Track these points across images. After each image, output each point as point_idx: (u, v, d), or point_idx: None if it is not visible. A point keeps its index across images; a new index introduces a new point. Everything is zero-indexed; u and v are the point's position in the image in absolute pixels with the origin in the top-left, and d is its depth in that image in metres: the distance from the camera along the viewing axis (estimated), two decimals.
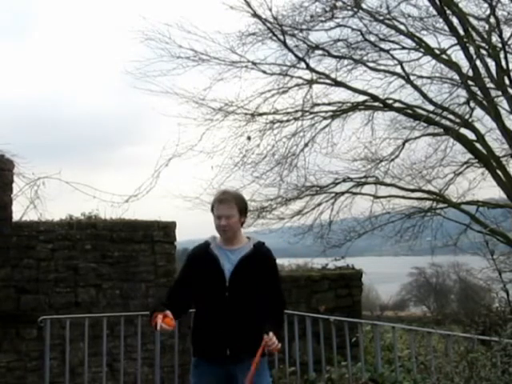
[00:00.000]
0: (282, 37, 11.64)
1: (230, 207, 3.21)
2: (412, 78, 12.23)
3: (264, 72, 12.00)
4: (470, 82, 11.48)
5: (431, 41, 12.14)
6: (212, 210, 3.28)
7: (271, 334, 3.01)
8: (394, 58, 12.16)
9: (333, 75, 12.16)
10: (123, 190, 9.14)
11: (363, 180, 12.94)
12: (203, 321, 3.16)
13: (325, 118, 12.39)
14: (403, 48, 12.12)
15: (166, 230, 6.63)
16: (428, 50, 11.89)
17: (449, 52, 11.84)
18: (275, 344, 3.01)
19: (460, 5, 10.98)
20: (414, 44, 12.07)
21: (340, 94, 12.88)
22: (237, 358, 3.09)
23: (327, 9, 11.61)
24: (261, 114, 12.06)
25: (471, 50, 10.77)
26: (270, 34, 11.69)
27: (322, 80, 12.32)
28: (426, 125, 12.46)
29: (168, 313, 3.00)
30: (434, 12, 11.43)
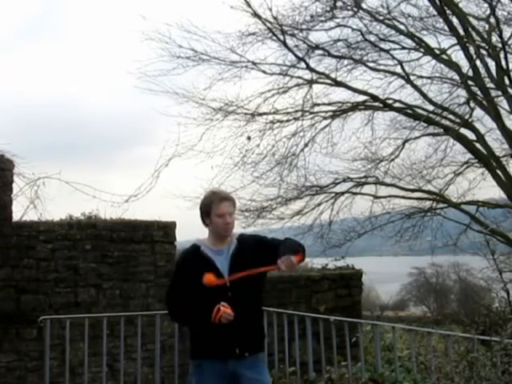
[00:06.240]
0: (281, 37, 11.65)
1: (231, 205, 3.23)
2: (412, 78, 12.26)
3: (264, 72, 12.02)
4: (470, 82, 11.49)
5: (431, 41, 12.18)
6: (207, 212, 3.22)
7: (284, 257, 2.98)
8: (394, 57, 12.18)
9: (333, 75, 12.19)
10: (133, 189, 9.12)
11: (363, 180, 12.95)
12: (208, 324, 3.06)
13: (325, 118, 12.40)
14: (403, 48, 12.14)
15: (166, 229, 6.63)
16: (428, 50, 11.89)
17: (449, 52, 11.87)
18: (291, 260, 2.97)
19: (460, 5, 11.00)
20: (414, 44, 12.08)
21: (340, 94, 12.93)
22: (244, 356, 3.11)
23: (327, 9, 11.63)
24: (261, 114, 12.08)
25: (471, 49, 10.78)
26: (270, 34, 11.70)
27: (321, 80, 12.33)
28: (425, 125, 12.47)
29: (224, 303, 3.01)
30: (434, 12, 11.45)
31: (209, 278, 3.05)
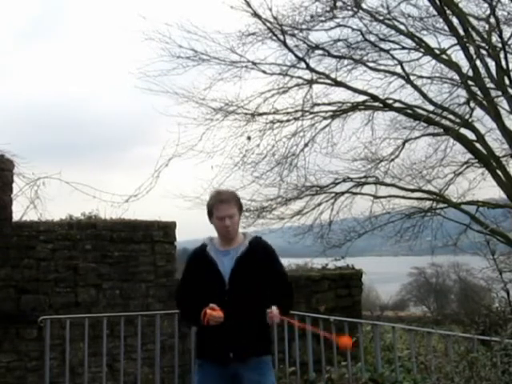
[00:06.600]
0: (281, 37, 11.64)
1: (231, 206, 3.21)
2: (412, 78, 12.25)
3: (264, 72, 12.01)
4: (470, 82, 11.48)
5: (431, 41, 12.17)
6: (210, 213, 3.25)
7: (274, 307, 3.05)
8: (394, 57, 12.17)
9: (333, 75, 12.18)
10: (133, 189, 9.11)
11: (363, 180, 12.94)
12: (203, 326, 3.10)
13: (325, 118, 12.39)
14: (403, 48, 12.13)
15: (166, 229, 6.63)
16: (428, 50, 11.89)
17: (449, 52, 11.86)
18: (276, 316, 3.05)
19: (460, 5, 10.98)
20: (414, 44, 12.07)
21: (340, 94, 12.90)
22: (241, 359, 3.10)
23: (327, 9, 11.62)
24: (261, 114, 12.07)
25: (471, 50, 10.78)
26: (270, 34, 11.69)
27: (322, 80, 12.33)
28: (426, 125, 12.46)
29: (212, 305, 3.01)
30: (434, 12, 11.44)
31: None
